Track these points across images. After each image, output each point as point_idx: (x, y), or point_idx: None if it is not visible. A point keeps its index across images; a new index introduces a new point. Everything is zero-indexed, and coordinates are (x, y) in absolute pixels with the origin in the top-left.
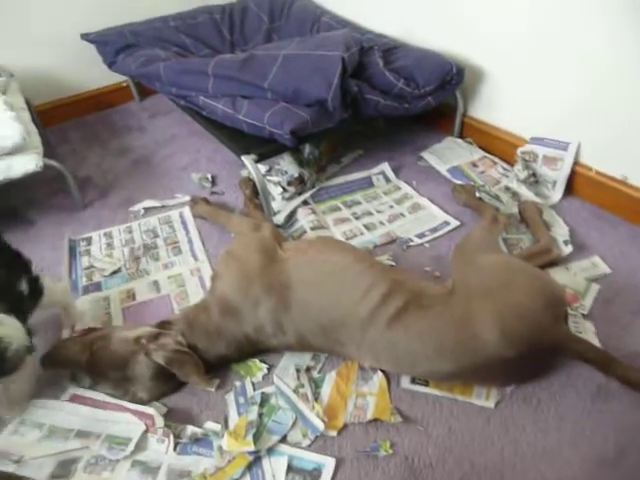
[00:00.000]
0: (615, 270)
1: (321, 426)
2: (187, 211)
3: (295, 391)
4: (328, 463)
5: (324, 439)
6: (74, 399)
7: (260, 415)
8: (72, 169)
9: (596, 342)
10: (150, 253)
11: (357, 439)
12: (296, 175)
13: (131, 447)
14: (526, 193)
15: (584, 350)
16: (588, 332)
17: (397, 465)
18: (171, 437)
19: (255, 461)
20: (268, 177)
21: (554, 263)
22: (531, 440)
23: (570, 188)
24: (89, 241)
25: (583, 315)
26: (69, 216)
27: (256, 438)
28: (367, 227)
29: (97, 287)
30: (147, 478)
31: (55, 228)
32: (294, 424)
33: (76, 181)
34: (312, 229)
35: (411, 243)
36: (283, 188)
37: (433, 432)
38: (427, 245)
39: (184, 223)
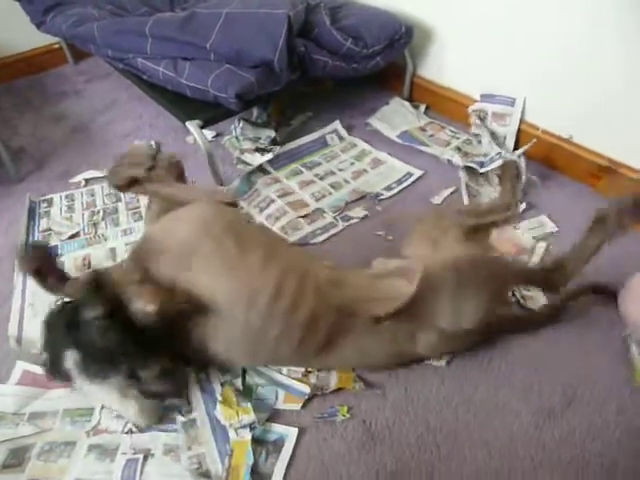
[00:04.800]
0: (561, 229)
1: (307, 390)
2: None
3: None
4: (291, 433)
5: (284, 410)
6: (22, 381)
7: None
8: (3, 139)
9: (543, 299)
10: (110, 218)
11: (316, 406)
12: (273, 135)
13: (97, 415)
14: (490, 140)
15: None
16: (535, 289)
17: (355, 429)
18: None
19: (222, 435)
20: (245, 151)
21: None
22: (483, 397)
23: (519, 147)
24: (50, 202)
25: None
26: (3, 190)
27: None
28: (333, 186)
29: (54, 251)
30: (105, 460)
31: None
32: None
33: (8, 152)
34: (280, 197)
35: (382, 197)
36: (266, 150)
37: (390, 395)
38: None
39: None
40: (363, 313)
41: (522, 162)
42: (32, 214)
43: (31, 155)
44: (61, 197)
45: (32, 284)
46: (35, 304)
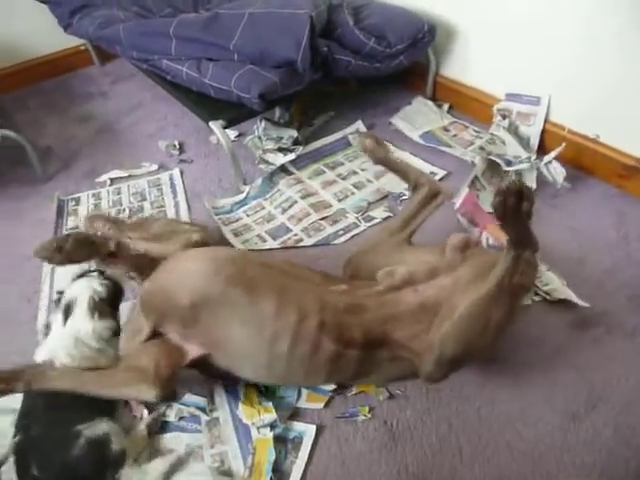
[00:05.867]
0: (588, 229)
1: (331, 386)
2: (177, 173)
3: None
4: (309, 430)
5: (306, 409)
6: None
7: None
8: (31, 139)
9: (566, 290)
10: (136, 216)
11: (337, 406)
12: (295, 135)
13: None
14: (511, 141)
15: None
16: (555, 282)
17: (376, 429)
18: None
19: (244, 433)
20: (267, 150)
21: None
22: (506, 398)
23: (544, 148)
24: (77, 201)
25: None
26: (31, 189)
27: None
28: (356, 186)
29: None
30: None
31: (16, 203)
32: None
33: (36, 152)
34: (302, 198)
35: (404, 197)
36: (289, 150)
37: (411, 395)
38: None
39: (173, 186)
40: (384, 336)
41: (551, 167)
42: (60, 212)
43: (58, 155)
44: (88, 196)
45: (59, 281)
46: None
